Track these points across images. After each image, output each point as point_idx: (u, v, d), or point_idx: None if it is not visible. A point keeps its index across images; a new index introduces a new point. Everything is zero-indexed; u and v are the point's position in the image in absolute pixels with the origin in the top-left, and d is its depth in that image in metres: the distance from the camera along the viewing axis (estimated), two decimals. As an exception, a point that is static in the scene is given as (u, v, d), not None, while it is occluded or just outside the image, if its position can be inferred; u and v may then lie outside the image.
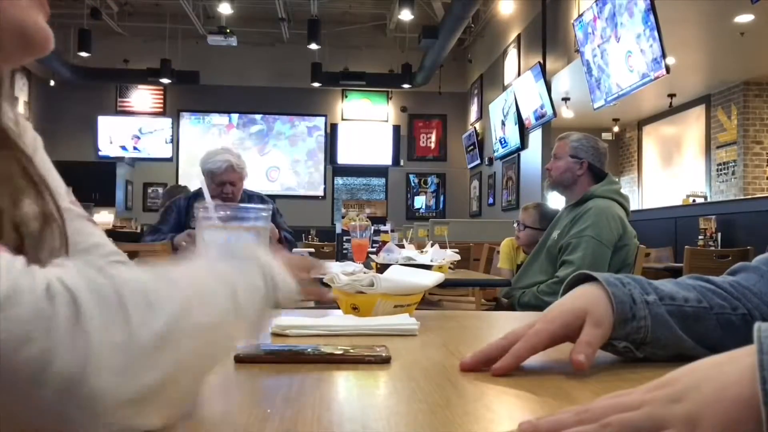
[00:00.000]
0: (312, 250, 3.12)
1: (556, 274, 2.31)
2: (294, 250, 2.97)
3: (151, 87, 12.30)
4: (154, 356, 0.37)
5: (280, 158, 12.49)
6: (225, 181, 2.78)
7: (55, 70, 11.21)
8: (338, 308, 0.95)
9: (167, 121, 12.52)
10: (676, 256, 4.67)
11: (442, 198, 12.83)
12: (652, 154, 10.58)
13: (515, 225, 3.14)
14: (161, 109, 12.60)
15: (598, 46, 6.03)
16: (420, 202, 12.86)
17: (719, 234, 4.28)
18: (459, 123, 12.44)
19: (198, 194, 2.94)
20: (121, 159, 12.29)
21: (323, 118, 12.55)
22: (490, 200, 10.74)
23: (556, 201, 2.97)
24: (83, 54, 10.30)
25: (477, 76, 11.50)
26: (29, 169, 0.53)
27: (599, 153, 2.48)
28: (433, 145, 12.85)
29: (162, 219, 2.91)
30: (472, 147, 11.57)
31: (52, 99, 11.99)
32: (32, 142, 0.67)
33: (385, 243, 2.58)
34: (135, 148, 12.52)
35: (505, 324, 1.06)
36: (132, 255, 2.34)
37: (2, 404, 0.34)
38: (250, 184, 2.96)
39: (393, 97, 12.57)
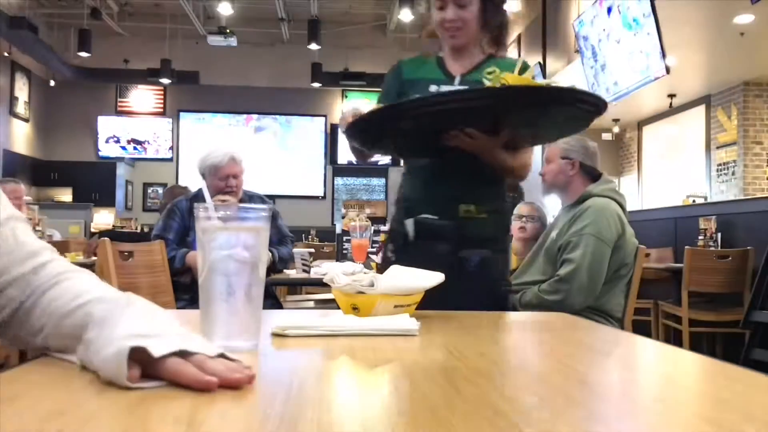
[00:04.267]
0: (312, 250, 3.12)
1: (557, 273, 2.31)
2: (294, 250, 2.96)
3: (151, 87, 12.30)
4: None
5: (280, 158, 12.48)
6: (228, 174, 2.79)
7: (55, 70, 11.21)
8: (338, 308, 0.95)
9: (167, 121, 12.52)
10: (676, 256, 4.67)
11: (442, 198, 12.83)
12: (652, 154, 10.58)
13: (521, 221, 3.12)
14: (161, 109, 12.60)
15: (598, 46, 6.03)
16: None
17: (719, 234, 4.27)
18: (459, 123, 12.44)
19: (199, 195, 2.93)
20: (121, 159, 12.29)
21: (323, 118, 12.55)
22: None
23: (554, 203, 2.97)
24: (83, 54, 10.30)
25: (477, 76, 11.49)
26: None
27: (589, 152, 2.50)
28: (433, 145, 12.85)
29: (165, 226, 2.82)
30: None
31: (52, 99, 11.99)
32: None
33: (385, 243, 2.57)
34: (135, 148, 12.52)
35: (505, 324, 1.06)
36: (129, 255, 2.34)
37: None
38: (249, 184, 2.96)
39: (393, 97, 12.56)
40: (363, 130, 1.44)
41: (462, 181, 1.61)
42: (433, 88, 1.61)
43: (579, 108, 1.30)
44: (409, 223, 1.61)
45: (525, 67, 1.42)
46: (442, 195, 1.60)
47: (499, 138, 1.41)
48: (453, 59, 1.69)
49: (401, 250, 1.63)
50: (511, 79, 1.30)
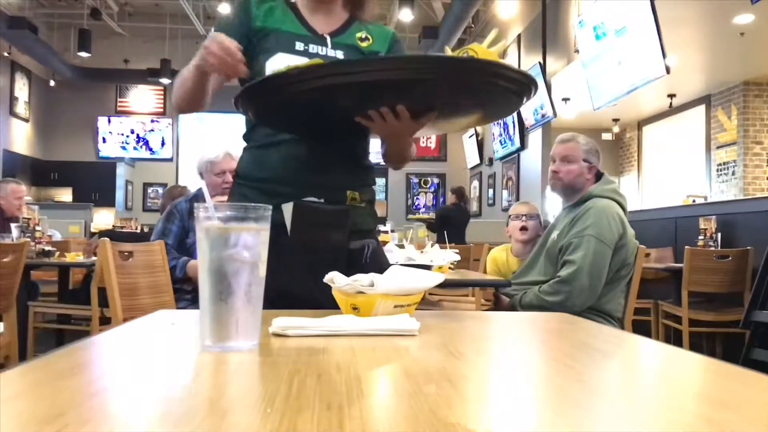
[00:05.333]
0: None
1: (558, 274, 2.31)
2: None
3: (151, 87, 12.31)
4: None
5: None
6: (225, 169, 2.81)
7: (55, 70, 11.22)
8: (338, 308, 0.95)
9: (167, 121, 12.52)
10: (676, 256, 4.67)
11: (442, 198, 12.83)
12: (652, 154, 10.59)
13: (521, 220, 3.10)
14: (161, 109, 12.60)
15: (599, 45, 6.03)
16: (420, 202, 12.87)
17: (719, 234, 4.28)
18: (459, 123, 12.44)
19: (198, 195, 2.94)
20: (121, 159, 12.29)
21: (323, 118, 12.54)
22: (490, 200, 10.74)
23: (555, 203, 2.96)
24: (83, 54, 10.31)
25: (477, 76, 11.49)
26: None
27: (599, 155, 2.50)
28: (433, 146, 12.85)
29: (164, 230, 2.80)
30: (472, 147, 11.57)
31: (52, 99, 12.00)
32: None
33: (384, 243, 2.57)
34: (135, 148, 12.51)
35: (505, 324, 1.06)
36: (129, 255, 2.34)
37: None
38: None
39: (393, 97, 12.55)
40: (265, 96, 1.14)
41: (347, 165, 1.40)
42: (299, 46, 1.35)
43: (510, 89, 1.10)
44: (287, 208, 1.32)
45: (497, 39, 1.19)
46: (324, 178, 1.36)
47: (423, 120, 1.17)
48: (313, 12, 1.42)
49: (272, 242, 1.39)
50: (481, 51, 1.12)
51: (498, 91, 1.10)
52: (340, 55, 1.39)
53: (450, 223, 7.08)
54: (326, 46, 1.39)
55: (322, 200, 1.34)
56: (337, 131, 1.34)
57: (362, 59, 1.35)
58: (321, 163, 1.35)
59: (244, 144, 1.45)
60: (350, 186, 1.39)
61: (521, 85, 1.11)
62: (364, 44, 1.44)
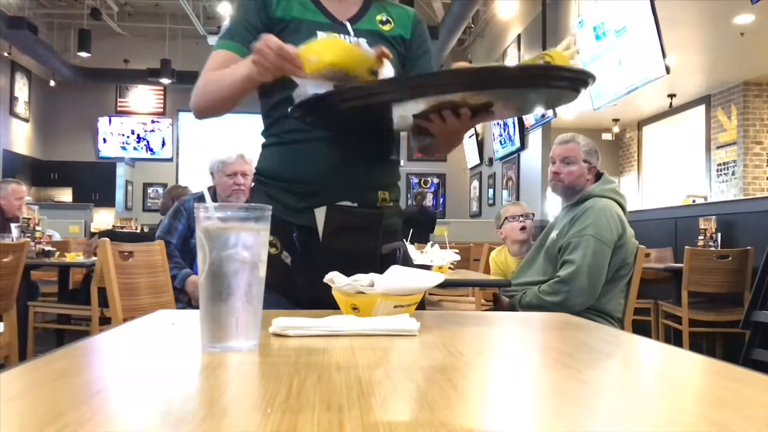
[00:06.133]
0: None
1: (557, 274, 2.31)
2: None
3: (151, 87, 12.31)
4: None
5: (280, 158, 12.47)
6: (237, 171, 2.79)
7: (55, 70, 11.22)
8: (338, 308, 0.95)
9: (167, 122, 12.52)
10: (676, 256, 4.67)
11: (442, 198, 12.83)
12: (652, 154, 10.59)
13: (519, 220, 3.10)
14: (161, 109, 12.60)
15: (599, 45, 6.03)
16: (420, 202, 12.87)
17: (719, 234, 4.28)
18: (459, 123, 12.43)
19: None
20: (121, 159, 12.29)
21: (323, 118, 12.54)
22: (491, 200, 10.74)
23: (555, 203, 2.96)
24: (83, 54, 10.31)
25: (477, 76, 11.48)
26: None
27: (599, 155, 2.50)
28: (433, 145, 12.84)
29: (170, 228, 2.76)
30: (472, 147, 11.56)
31: (52, 99, 12.00)
32: None
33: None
34: (135, 149, 12.51)
35: (505, 324, 1.06)
36: (129, 255, 2.34)
37: None
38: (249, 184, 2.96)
39: (393, 97, 12.54)
40: (330, 107, 1.11)
41: (378, 163, 1.34)
42: (321, 36, 1.27)
43: (570, 87, 1.11)
44: (320, 213, 1.25)
45: (568, 46, 1.18)
46: (356, 178, 1.29)
47: (480, 118, 1.17)
48: None
49: (303, 247, 1.27)
50: (557, 57, 1.13)
51: (559, 90, 1.12)
52: (363, 43, 1.31)
53: (413, 225, 7.56)
54: (348, 34, 1.31)
55: (356, 204, 1.28)
56: (375, 130, 1.30)
57: (442, 72, 1.19)
58: (353, 163, 1.29)
59: (263, 140, 1.38)
60: (381, 185, 1.33)
61: (579, 82, 1.11)
62: (386, 28, 1.37)
